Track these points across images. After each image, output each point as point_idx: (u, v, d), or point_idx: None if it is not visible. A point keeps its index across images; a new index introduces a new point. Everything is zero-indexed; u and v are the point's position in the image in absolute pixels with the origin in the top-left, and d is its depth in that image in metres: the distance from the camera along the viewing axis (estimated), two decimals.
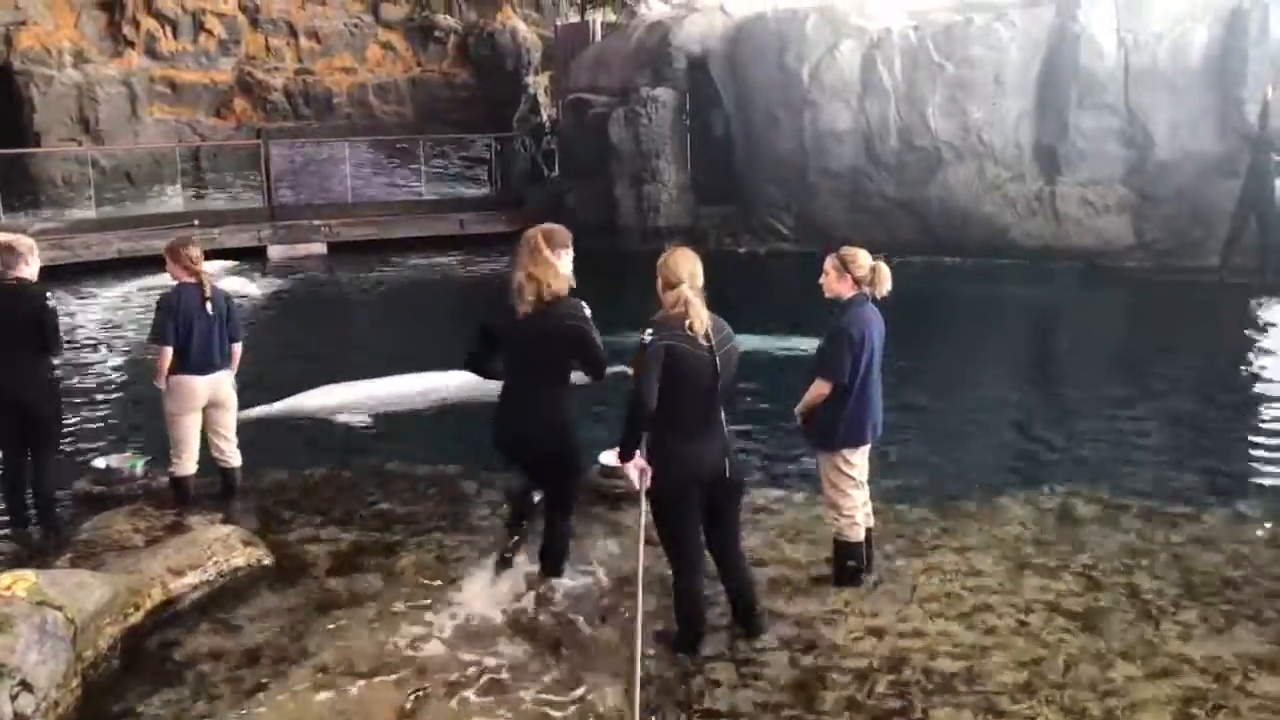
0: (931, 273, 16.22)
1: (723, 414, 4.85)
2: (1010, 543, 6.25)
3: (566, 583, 5.58)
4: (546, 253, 5.21)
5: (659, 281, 4.82)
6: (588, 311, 5.24)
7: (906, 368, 10.40)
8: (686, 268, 4.78)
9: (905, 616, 5.27)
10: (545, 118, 23.01)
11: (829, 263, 5.43)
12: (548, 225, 5.48)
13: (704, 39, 18.77)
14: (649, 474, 4.72)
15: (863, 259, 5.39)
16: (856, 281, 5.37)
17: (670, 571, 4.97)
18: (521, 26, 26.74)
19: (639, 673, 4.20)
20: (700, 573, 4.92)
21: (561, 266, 5.28)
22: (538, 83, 24.38)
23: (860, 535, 5.55)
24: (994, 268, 15.87)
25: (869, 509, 5.71)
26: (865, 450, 5.54)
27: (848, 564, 5.54)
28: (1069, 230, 16.22)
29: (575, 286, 5.34)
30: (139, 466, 7.19)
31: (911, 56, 16.85)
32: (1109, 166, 16.03)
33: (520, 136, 22.86)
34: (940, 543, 6.24)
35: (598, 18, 22.61)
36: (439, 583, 5.62)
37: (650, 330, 4.67)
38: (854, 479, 5.48)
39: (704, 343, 4.66)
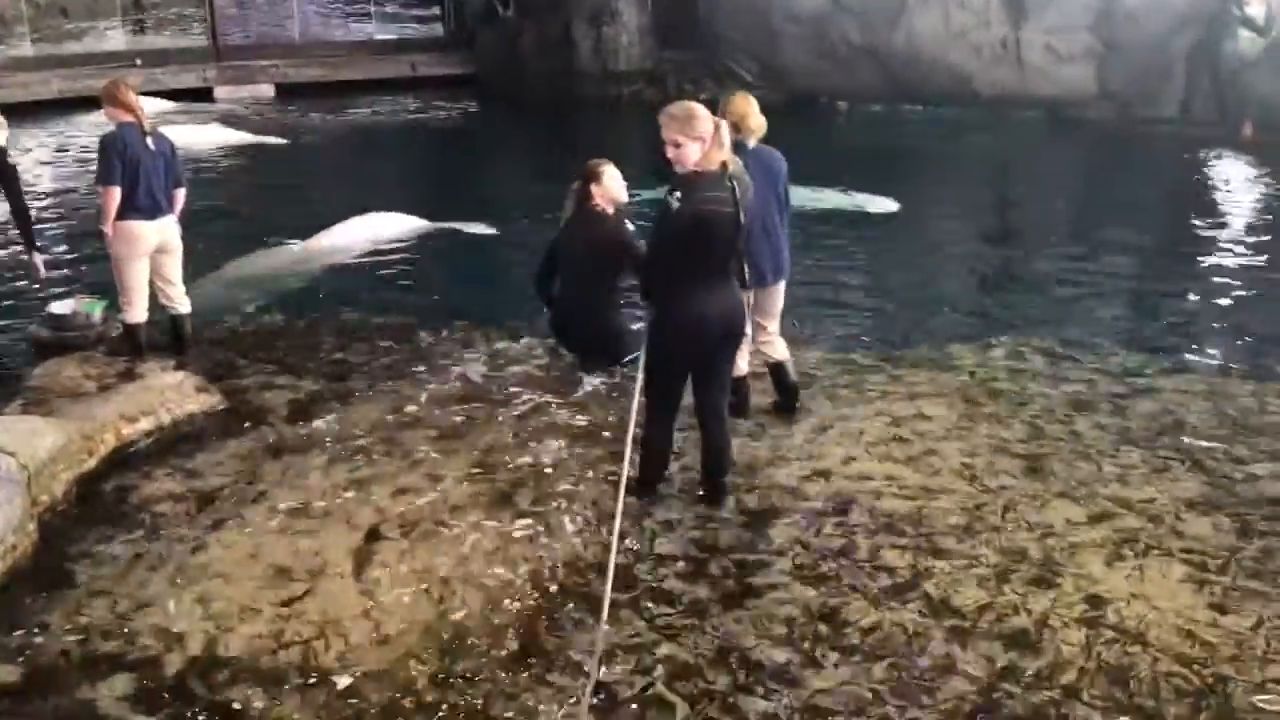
0: (892, 121, 16.09)
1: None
2: (959, 391, 6.37)
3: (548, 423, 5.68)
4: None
5: (680, 138, 4.53)
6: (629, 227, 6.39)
7: (863, 217, 10.40)
8: (713, 117, 4.57)
9: (852, 459, 5.39)
10: None
11: None
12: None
13: None
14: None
15: (735, 107, 5.45)
16: (731, 129, 5.23)
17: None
18: None
19: (619, 528, 4.26)
20: (670, 425, 4.94)
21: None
22: None
23: (738, 371, 5.66)
24: (956, 116, 15.74)
25: (780, 347, 5.89)
26: (752, 293, 5.54)
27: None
28: (1032, 79, 16.05)
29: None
30: (97, 311, 7.08)
31: None
32: (1076, 14, 15.78)
33: None
34: (889, 389, 6.35)
35: None
36: (394, 433, 5.65)
37: (678, 194, 4.48)
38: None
39: (729, 196, 4.47)
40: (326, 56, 21.02)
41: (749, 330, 5.67)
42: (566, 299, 6.54)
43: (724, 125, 4.58)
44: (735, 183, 4.51)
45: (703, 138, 4.51)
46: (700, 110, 4.58)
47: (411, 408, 5.93)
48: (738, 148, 5.35)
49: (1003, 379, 6.58)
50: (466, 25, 22.01)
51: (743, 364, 5.77)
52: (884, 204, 11.01)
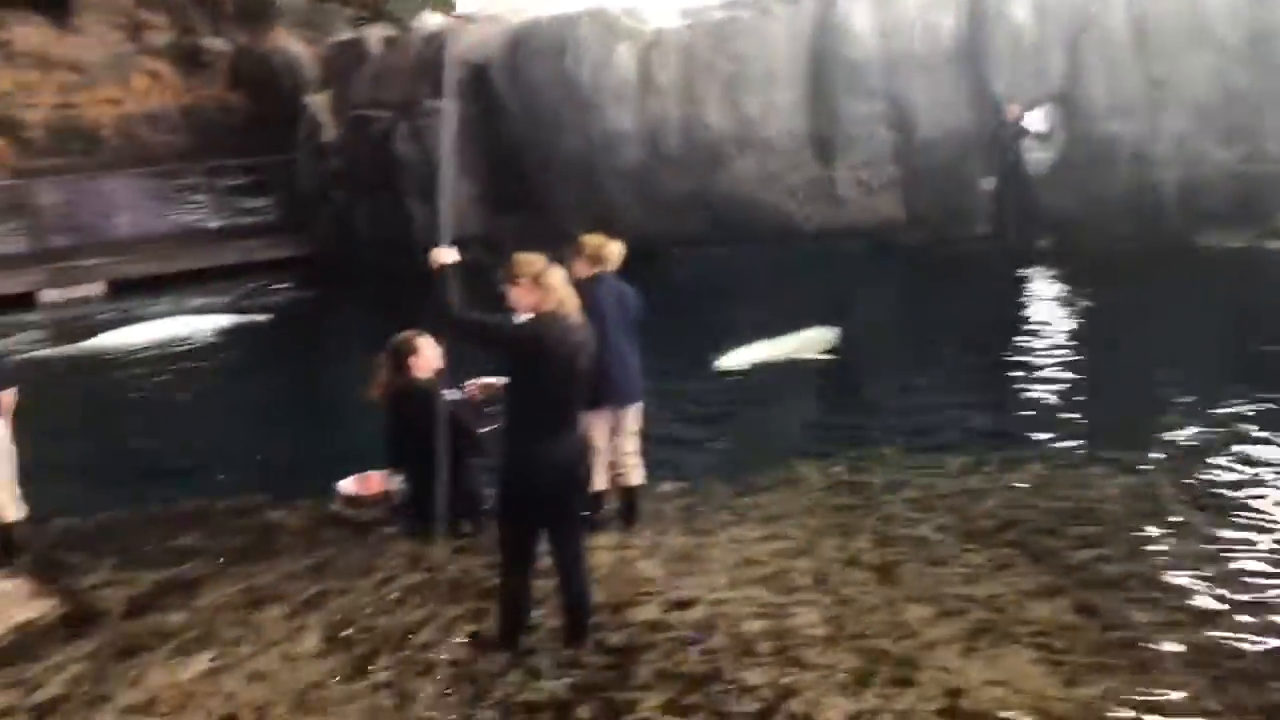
0: (723, 263, 16.69)
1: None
2: (807, 508, 6.56)
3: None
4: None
5: (505, 285, 4.74)
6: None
7: (703, 351, 10.66)
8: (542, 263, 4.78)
9: (712, 587, 5.46)
10: (328, 137, 22.46)
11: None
12: None
13: (483, 48, 18.72)
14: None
15: (589, 240, 6.09)
16: (590, 261, 6.00)
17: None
18: (294, 45, 26.00)
19: None
20: (525, 575, 4.89)
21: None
22: (318, 102, 23.71)
23: (596, 485, 6.05)
24: (782, 254, 16.43)
25: (638, 473, 6.28)
26: (611, 411, 6.03)
27: None
28: (848, 212, 16.92)
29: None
30: None
31: (686, 55, 17.25)
32: (878, 149, 16.80)
33: (303, 157, 22.27)
34: (742, 514, 6.50)
35: (373, 33, 22.23)
36: (244, 614, 5.48)
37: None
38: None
39: (569, 337, 4.63)
40: (159, 249, 20.76)
41: (602, 445, 5.99)
42: (414, 473, 6.38)
43: (550, 272, 4.74)
44: (575, 324, 4.69)
45: (518, 279, 4.68)
46: (519, 256, 4.79)
47: (261, 586, 5.77)
48: (596, 279, 5.88)
49: (847, 492, 6.80)
50: (299, 208, 22.13)
51: (600, 479, 6.06)
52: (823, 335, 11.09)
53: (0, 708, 4.72)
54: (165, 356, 13.13)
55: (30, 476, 6.75)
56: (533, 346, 4.60)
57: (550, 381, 4.63)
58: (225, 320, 15.18)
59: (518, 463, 4.68)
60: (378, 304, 15.94)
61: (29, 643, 5.34)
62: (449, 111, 5.68)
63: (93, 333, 14.56)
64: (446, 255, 4.66)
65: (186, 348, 13.52)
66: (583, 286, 5.72)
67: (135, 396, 11.56)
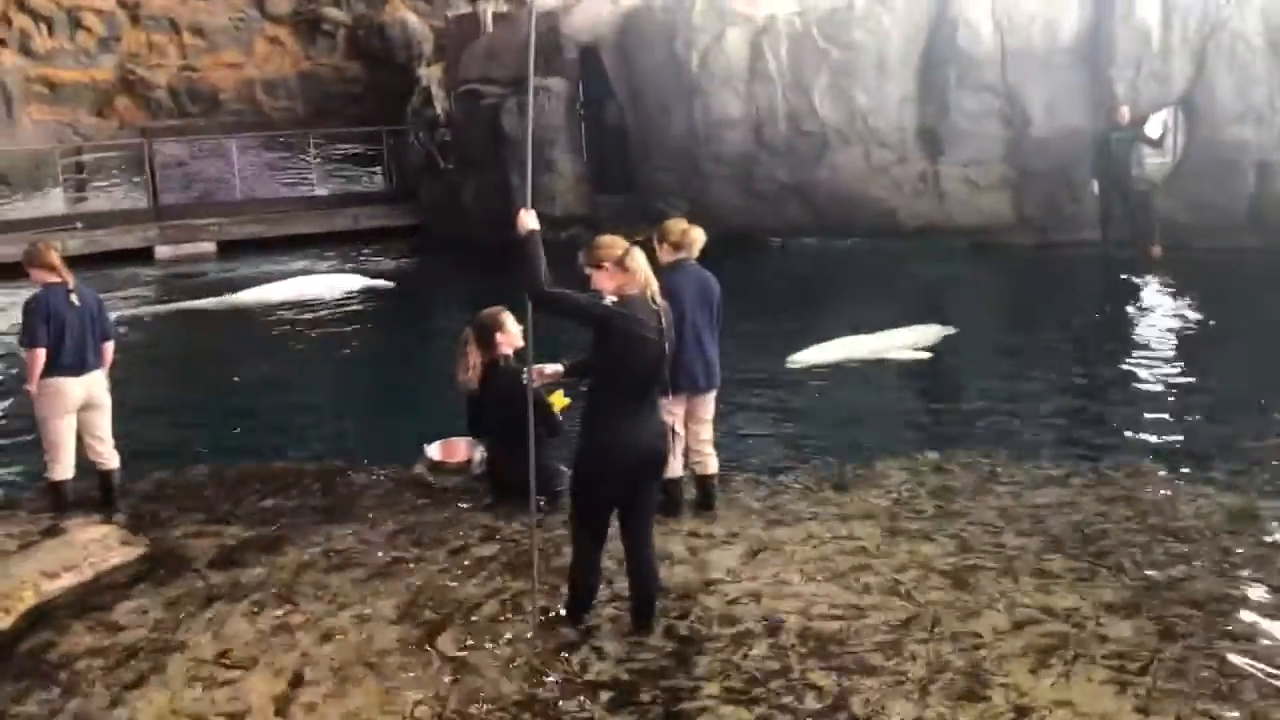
0: (822, 255, 16.52)
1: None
2: (887, 509, 6.46)
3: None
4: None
5: (587, 269, 4.77)
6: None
7: (793, 344, 10.57)
8: (624, 247, 4.77)
9: (784, 581, 5.42)
10: (439, 110, 22.80)
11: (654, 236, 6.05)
12: None
13: (593, 28, 18.80)
14: None
15: (673, 226, 6.06)
16: (673, 247, 5.97)
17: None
18: (412, 18, 26.37)
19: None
20: (597, 555, 4.92)
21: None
22: (430, 75, 24.03)
23: (673, 472, 5.89)
24: (882, 248, 16.19)
25: (713, 462, 6.33)
26: (686, 398, 6.03)
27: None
28: (952, 209, 16.61)
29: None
30: None
31: (797, 42, 17.07)
32: (989, 146, 16.43)
33: (414, 129, 22.64)
34: (820, 510, 6.43)
35: (488, 8, 22.44)
36: (323, 575, 5.61)
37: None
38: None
39: (655, 321, 4.63)
40: (268, 213, 21.34)
41: (680, 431, 5.92)
42: (494, 448, 6.62)
43: (633, 255, 4.73)
44: (659, 307, 4.68)
45: (602, 263, 4.68)
46: (602, 240, 4.79)
47: (341, 550, 5.90)
48: (678, 265, 5.91)
49: (929, 495, 6.68)
50: (408, 179, 22.54)
51: (676, 466, 5.95)
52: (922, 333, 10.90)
53: (87, 647, 4.91)
54: (289, 316, 13.62)
55: (134, 426, 7.01)
56: (620, 326, 4.60)
57: (634, 362, 4.64)
58: (354, 283, 15.61)
59: (597, 441, 4.70)
60: (483, 275, 16.21)
61: (117, 587, 5.55)
62: (532, 84, 5.61)
63: (225, 289, 15.09)
64: (533, 220, 4.67)
65: (314, 310, 13.95)
66: (664, 272, 5.76)
67: (255, 353, 11.95)
